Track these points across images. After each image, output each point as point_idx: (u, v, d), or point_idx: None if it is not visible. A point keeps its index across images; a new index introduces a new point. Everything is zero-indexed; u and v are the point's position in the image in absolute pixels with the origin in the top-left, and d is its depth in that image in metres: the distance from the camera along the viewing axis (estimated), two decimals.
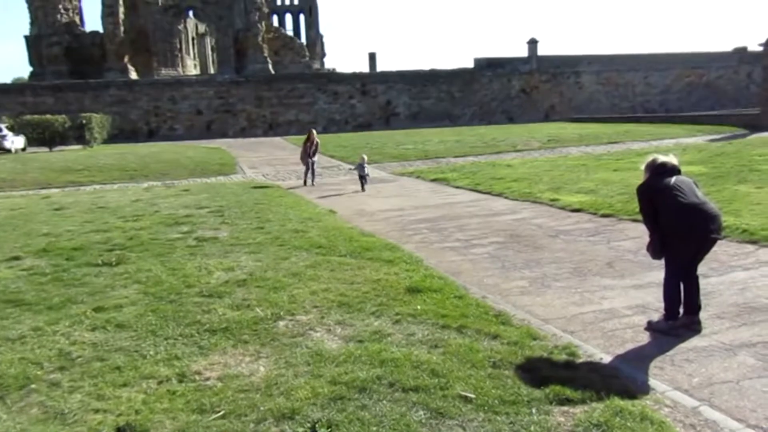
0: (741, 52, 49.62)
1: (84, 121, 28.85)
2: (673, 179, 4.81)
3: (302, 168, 17.05)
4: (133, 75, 42.98)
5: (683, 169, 5.07)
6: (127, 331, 4.72)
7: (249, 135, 38.46)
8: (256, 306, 5.24)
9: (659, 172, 4.90)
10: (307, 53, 51.74)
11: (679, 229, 4.70)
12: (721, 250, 7.23)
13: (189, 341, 4.49)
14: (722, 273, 6.29)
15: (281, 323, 4.86)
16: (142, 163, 21.11)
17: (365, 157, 15.60)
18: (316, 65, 53.79)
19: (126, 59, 43.27)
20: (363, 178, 15.10)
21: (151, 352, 4.28)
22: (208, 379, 3.87)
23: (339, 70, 48.05)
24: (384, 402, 3.48)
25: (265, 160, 23.15)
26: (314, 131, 17.69)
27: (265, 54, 45.38)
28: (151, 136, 38.03)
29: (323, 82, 42.31)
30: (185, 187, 15.56)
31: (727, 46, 71.04)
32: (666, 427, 3.24)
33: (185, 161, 21.57)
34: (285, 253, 7.32)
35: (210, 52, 59.22)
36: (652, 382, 3.92)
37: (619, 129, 28.46)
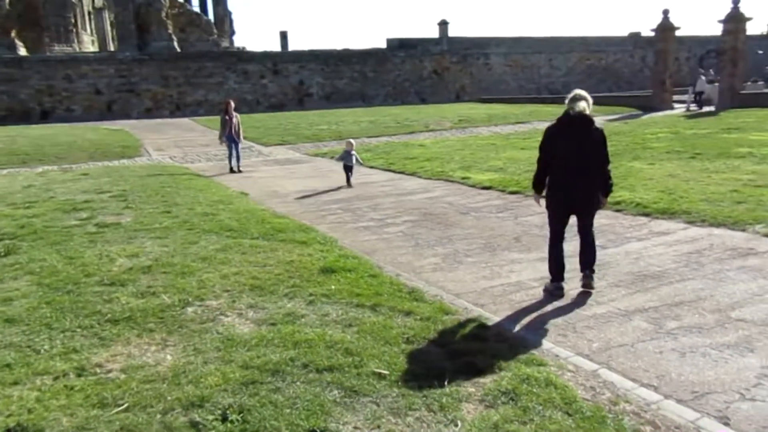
0: (635, 37, 52.70)
1: None
2: (578, 137, 4.94)
3: (213, 150, 16.19)
4: (22, 51, 39.72)
5: None
6: (18, 326, 4.37)
7: (155, 116, 36.66)
8: (163, 293, 5.01)
9: (569, 121, 5.01)
10: (215, 31, 49.81)
11: (557, 191, 5.10)
12: (617, 222, 7.69)
13: (89, 333, 4.23)
14: (618, 244, 6.68)
15: (190, 309, 4.68)
16: (35, 146, 19.64)
17: (353, 143, 12.44)
18: (225, 43, 51.92)
19: (13, 34, 39.90)
20: (350, 170, 11.92)
21: (46, 347, 4.00)
22: (110, 371, 3.66)
23: (249, 48, 46.69)
24: (297, 383, 3.43)
25: (172, 141, 22.18)
26: (232, 102, 15.02)
27: (170, 31, 43.25)
28: (46, 117, 35.41)
29: (233, 61, 40.92)
30: (84, 171, 14.63)
31: (623, 31, 75.29)
32: (568, 391, 3.40)
33: (84, 144, 20.28)
34: (194, 237, 7.05)
35: (109, 28, 55.71)
36: (556, 349, 4.10)
37: (526, 110, 29.55)
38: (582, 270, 5.24)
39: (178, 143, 21.64)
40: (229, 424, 3.00)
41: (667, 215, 7.80)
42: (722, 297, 4.96)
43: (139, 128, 27.27)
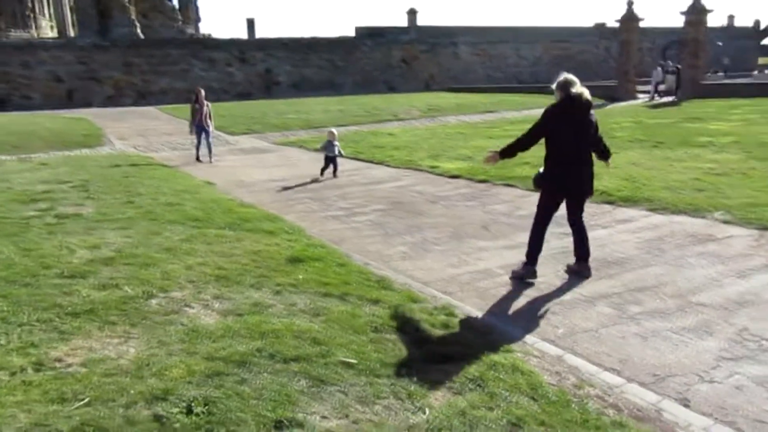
0: (600, 28, 53.42)
1: None
2: (576, 124, 4.95)
3: (178, 139, 15.77)
4: None
5: None
6: None
7: (117, 104, 35.74)
8: (125, 285, 4.89)
9: (572, 106, 4.94)
10: (180, 17, 48.74)
11: (552, 179, 5.05)
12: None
13: (47, 327, 4.10)
14: None
15: (153, 301, 4.58)
16: None
17: (335, 132, 11.59)
18: (190, 30, 50.86)
19: None
20: (333, 161, 11.18)
21: (2, 342, 3.85)
22: (69, 365, 3.56)
23: (215, 36, 45.88)
24: (264, 374, 3.39)
25: (136, 130, 21.66)
26: (202, 90, 14.52)
27: (132, 17, 42.13)
28: (2, 105, 34.19)
29: (198, 49, 40.14)
30: (43, 161, 14.19)
31: (588, 22, 76.46)
32: (534, 376, 3.44)
33: (43, 133, 19.64)
34: (157, 228, 6.91)
35: (69, 14, 54.00)
36: (522, 335, 4.15)
37: (494, 99, 29.72)
38: (583, 260, 5.27)
39: (141, 132, 21.16)
40: (194, 417, 2.95)
41: (631, 203, 7.95)
42: (683, 282, 5.08)
43: (101, 117, 26.57)
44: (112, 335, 3.98)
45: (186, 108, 15.78)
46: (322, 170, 11.23)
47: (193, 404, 3.05)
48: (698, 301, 4.67)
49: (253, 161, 14.40)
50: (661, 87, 28.74)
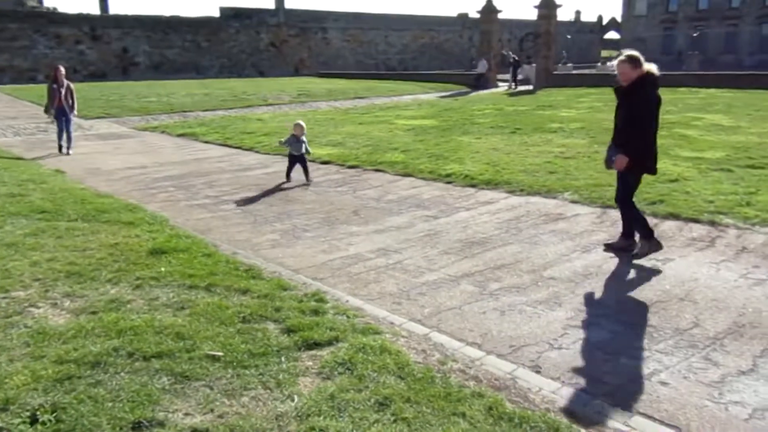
0: (464, 18, 55.82)
1: None
2: (657, 100, 5.06)
3: (22, 123, 14.08)
4: None
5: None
6: None
7: None
8: None
9: (649, 81, 5.01)
10: None
11: (650, 157, 5.20)
12: (448, 193, 8.14)
13: None
14: (449, 214, 7.08)
15: None
16: None
17: (303, 126, 9.41)
18: (31, 2, 46.04)
19: None
20: (301, 161, 9.21)
21: None
22: None
23: (61, 10, 41.95)
24: (122, 374, 3.19)
25: None
26: (61, 68, 12.58)
27: None
28: None
29: (42, 23, 36.49)
30: None
31: (453, 12, 79.55)
32: (401, 356, 3.54)
33: None
34: None
35: None
36: (392, 317, 4.25)
37: (364, 85, 30.08)
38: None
39: None
40: (39, 426, 2.70)
41: (492, 186, 8.41)
42: (536, 258, 5.47)
43: None
44: None
45: (32, 88, 14.20)
46: (288, 172, 9.26)
47: (38, 412, 2.80)
48: (550, 275, 5.07)
49: (111, 148, 13.41)
50: (520, 76, 30.82)
